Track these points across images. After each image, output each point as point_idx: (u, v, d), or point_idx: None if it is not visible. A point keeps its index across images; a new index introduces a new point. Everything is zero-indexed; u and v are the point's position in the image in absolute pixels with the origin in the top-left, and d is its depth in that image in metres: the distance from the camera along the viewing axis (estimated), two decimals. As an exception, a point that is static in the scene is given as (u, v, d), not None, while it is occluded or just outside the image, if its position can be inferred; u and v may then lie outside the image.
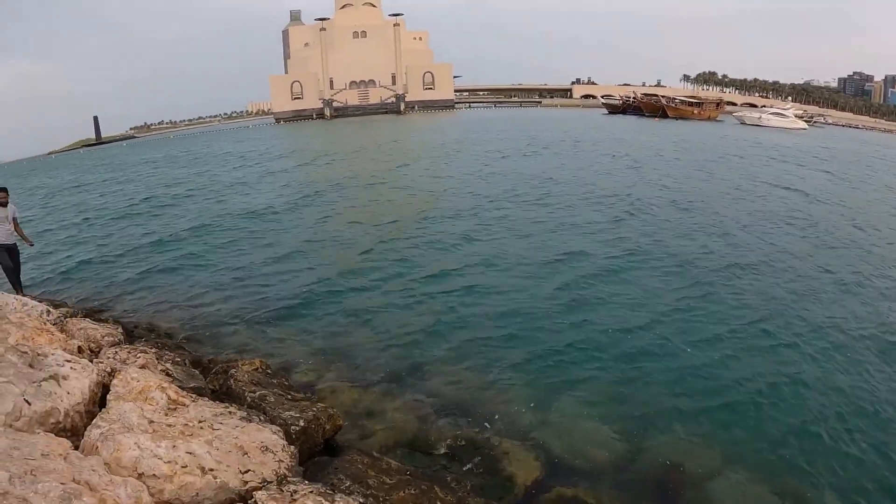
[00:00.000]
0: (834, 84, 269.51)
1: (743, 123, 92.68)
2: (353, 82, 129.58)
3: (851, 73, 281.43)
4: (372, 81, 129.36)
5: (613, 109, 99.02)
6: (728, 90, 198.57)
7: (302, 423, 7.22)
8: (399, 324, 13.19)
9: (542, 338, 12.39)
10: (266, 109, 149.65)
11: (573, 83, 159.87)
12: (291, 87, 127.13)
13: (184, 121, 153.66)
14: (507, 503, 7.59)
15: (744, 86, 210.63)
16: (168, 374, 7.88)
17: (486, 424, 9.21)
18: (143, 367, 7.69)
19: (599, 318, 13.48)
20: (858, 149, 70.28)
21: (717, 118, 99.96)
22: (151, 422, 5.92)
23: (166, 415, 6.22)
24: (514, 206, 25.61)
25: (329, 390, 10.13)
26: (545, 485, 7.95)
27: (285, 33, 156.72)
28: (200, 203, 31.04)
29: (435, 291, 15.22)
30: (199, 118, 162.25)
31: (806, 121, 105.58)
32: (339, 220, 24.70)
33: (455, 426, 9.12)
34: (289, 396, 8.25)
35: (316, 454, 7.30)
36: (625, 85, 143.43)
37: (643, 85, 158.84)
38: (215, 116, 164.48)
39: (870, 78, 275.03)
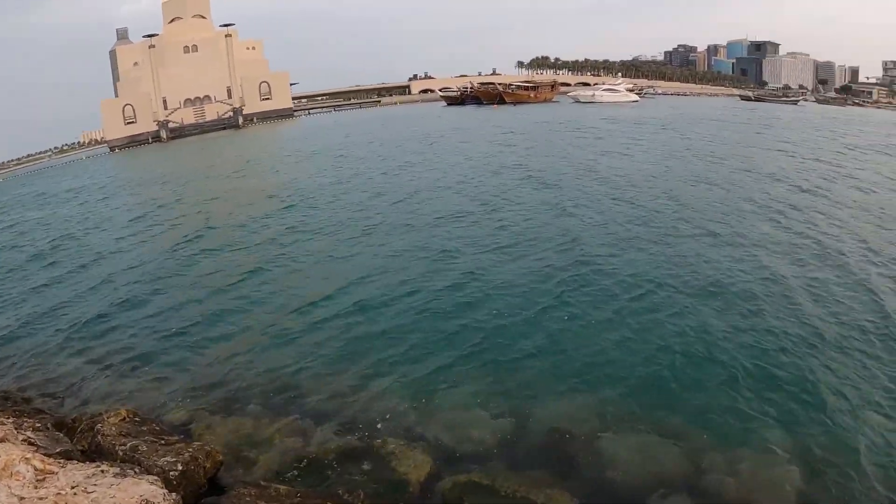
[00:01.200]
0: (661, 57, 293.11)
1: (578, 102, 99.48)
2: (188, 100, 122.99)
3: (676, 46, 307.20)
4: (207, 97, 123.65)
5: (452, 101, 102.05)
6: (562, 72, 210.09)
7: (180, 467, 7.17)
8: (265, 346, 13.17)
9: (412, 337, 12.91)
10: (99, 138, 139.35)
11: (410, 79, 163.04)
12: (123, 110, 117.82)
13: (12, 160, 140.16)
14: (405, 502, 7.93)
15: (576, 67, 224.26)
16: (31, 443, 7.51)
17: (372, 430, 9.51)
18: (1, 440, 7.36)
19: (464, 308, 14.34)
20: (684, 112, 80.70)
21: (554, 99, 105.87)
22: (22, 499, 5.73)
23: (35, 487, 5.98)
24: (375, 214, 25.84)
25: (204, 426, 9.96)
26: (439, 477, 8.39)
27: (112, 54, 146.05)
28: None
29: (296, 307, 15.21)
30: (29, 155, 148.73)
31: (637, 93, 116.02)
32: (183, 251, 23.78)
33: (340, 437, 9.33)
34: (162, 441, 8.10)
35: (202, 496, 7.26)
36: (462, 76, 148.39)
37: (479, 74, 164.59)
38: (45, 152, 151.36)
39: (693, 49, 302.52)
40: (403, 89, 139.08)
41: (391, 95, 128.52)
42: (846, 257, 18.10)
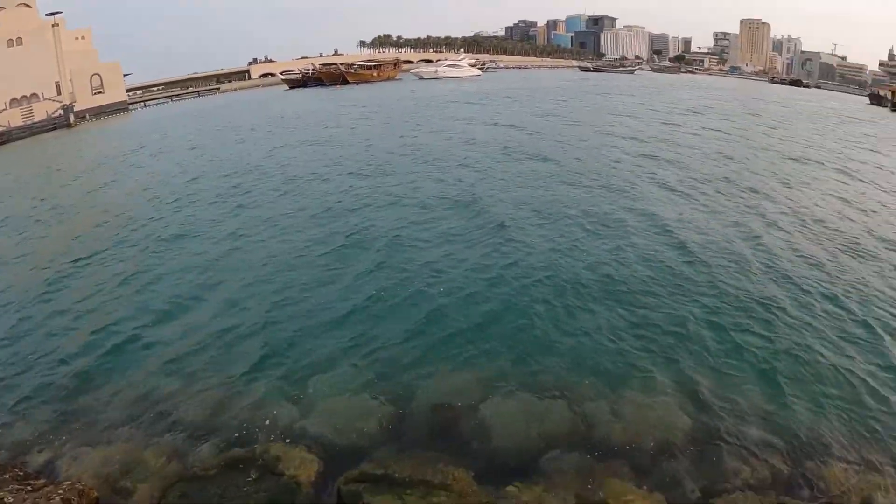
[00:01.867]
0: (502, 33, 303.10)
1: (421, 78, 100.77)
2: (13, 99, 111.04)
3: (517, 22, 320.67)
4: (35, 95, 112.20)
5: (294, 84, 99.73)
6: (404, 50, 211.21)
7: (53, 514, 6.53)
8: (125, 362, 12.04)
9: (279, 334, 12.51)
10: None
11: (250, 64, 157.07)
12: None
13: None
14: None
15: (419, 44, 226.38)
16: None
17: (252, 437, 9.20)
18: None
19: (327, 298, 14.14)
20: (528, 84, 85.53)
21: (397, 77, 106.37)
22: None
23: None
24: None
25: (71, 461, 9.01)
26: (330, 474, 8.33)
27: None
28: None
29: (153, 317, 13.93)
30: None
31: (479, 68, 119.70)
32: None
33: (221, 450, 8.92)
34: (28, 487, 7.44)
35: (83, 539, 6.69)
36: (303, 58, 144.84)
37: (321, 56, 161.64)
38: None
39: (534, 24, 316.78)
40: (243, 74, 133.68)
41: (230, 81, 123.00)
42: (691, 191, 22.50)
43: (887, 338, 12.82)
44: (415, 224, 19.20)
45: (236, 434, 9.27)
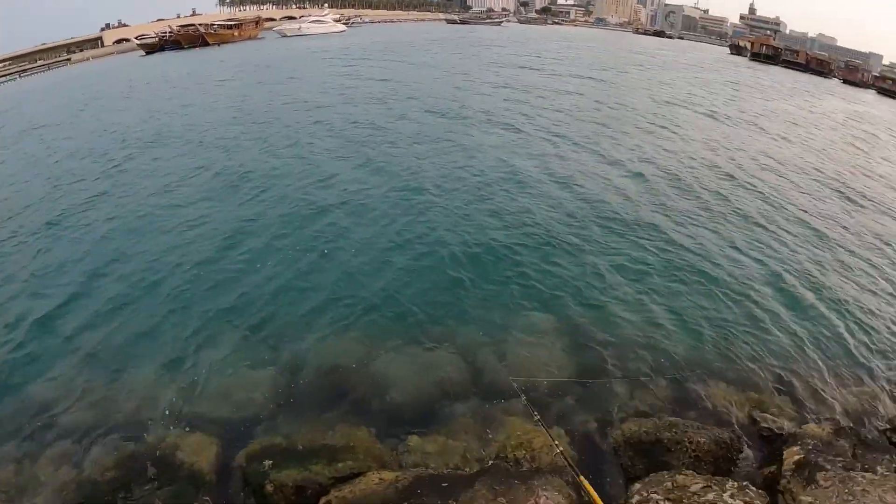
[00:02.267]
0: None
1: (284, 36, 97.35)
2: None
3: None
4: None
5: (150, 49, 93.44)
6: (266, 7, 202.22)
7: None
8: None
9: (155, 314, 11.84)
10: None
11: (103, 29, 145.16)
12: None
13: None
14: (206, 492, 7.63)
15: (281, 0, 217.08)
16: None
17: (145, 429, 8.75)
18: None
19: (200, 268, 13.63)
20: (394, 38, 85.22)
21: (259, 36, 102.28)
22: None
23: None
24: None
25: None
26: (231, 454, 8.19)
27: None
28: None
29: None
30: None
31: (345, 23, 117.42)
32: None
33: (114, 449, 8.41)
34: None
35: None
36: (159, 20, 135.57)
37: (178, 17, 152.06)
38: None
39: None
40: (96, 42, 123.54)
41: (81, 51, 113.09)
42: (570, 135, 24.57)
43: (753, 265, 14.81)
44: (301, 184, 18.87)
45: (128, 430, 8.79)
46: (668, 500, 6.52)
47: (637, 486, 6.98)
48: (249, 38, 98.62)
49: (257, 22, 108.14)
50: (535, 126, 27.69)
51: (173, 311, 11.86)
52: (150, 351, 10.66)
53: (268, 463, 7.78)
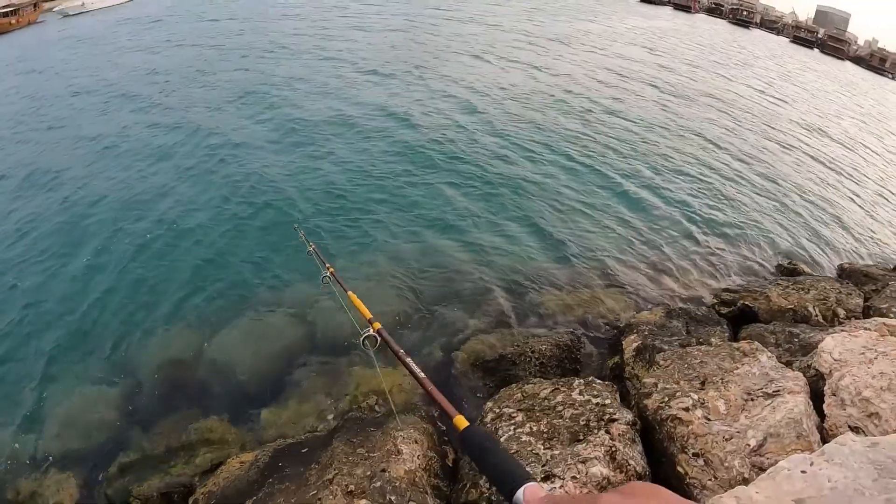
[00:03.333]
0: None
1: (67, 16, 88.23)
2: None
3: None
4: None
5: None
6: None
7: None
8: None
9: None
10: None
11: None
12: None
13: None
14: None
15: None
16: None
17: None
18: None
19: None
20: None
21: (38, 20, 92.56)
22: None
23: None
24: None
25: None
26: (91, 484, 7.27)
27: None
28: None
29: None
30: None
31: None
32: None
33: None
34: None
35: None
36: None
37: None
38: None
39: None
40: None
41: None
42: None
43: (567, 171, 15.75)
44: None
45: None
46: (521, 410, 6.41)
47: (489, 404, 6.84)
48: (29, 23, 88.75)
49: (35, 4, 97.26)
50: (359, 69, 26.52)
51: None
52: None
53: (128, 479, 7.07)
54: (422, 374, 2.97)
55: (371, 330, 4.63)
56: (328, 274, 6.23)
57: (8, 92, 27.32)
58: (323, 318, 9.51)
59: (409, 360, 3.35)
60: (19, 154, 17.97)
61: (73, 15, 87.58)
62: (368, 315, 5.24)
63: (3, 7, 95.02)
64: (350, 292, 5.19)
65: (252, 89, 23.05)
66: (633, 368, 7.28)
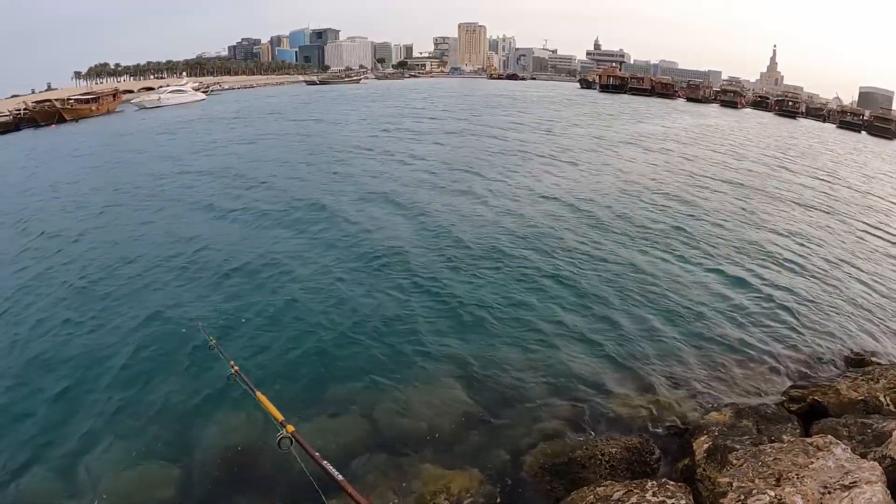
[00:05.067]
0: (225, 53, 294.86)
1: (144, 108, 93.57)
2: None
3: (240, 40, 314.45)
4: None
5: (5, 128, 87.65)
6: (123, 78, 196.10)
7: None
8: None
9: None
10: None
11: None
12: None
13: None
14: None
15: (138, 71, 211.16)
16: None
17: None
18: None
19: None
20: (251, 104, 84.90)
21: (117, 109, 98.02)
22: None
23: None
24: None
25: None
26: None
27: None
28: None
29: None
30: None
31: (204, 91, 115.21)
32: None
33: None
34: None
35: None
36: (14, 97, 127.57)
37: (33, 92, 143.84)
38: None
39: (257, 42, 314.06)
40: None
41: None
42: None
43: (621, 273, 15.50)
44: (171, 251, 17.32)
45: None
46: (594, 513, 6.35)
47: (561, 505, 6.78)
48: (108, 111, 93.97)
49: (115, 95, 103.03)
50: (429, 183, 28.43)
51: (49, 410, 10.20)
52: (34, 457, 9.04)
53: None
54: (340, 477, 3.00)
55: (285, 432, 4.66)
56: (233, 372, 6.25)
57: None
58: (390, 417, 9.60)
59: (325, 462, 3.34)
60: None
61: (150, 108, 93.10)
62: (280, 417, 5.28)
63: (85, 94, 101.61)
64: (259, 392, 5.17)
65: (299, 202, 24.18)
66: (704, 470, 7.10)
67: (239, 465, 8.45)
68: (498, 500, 6.79)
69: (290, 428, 4.74)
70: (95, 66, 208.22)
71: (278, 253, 17.13)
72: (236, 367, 6.53)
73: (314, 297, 14.13)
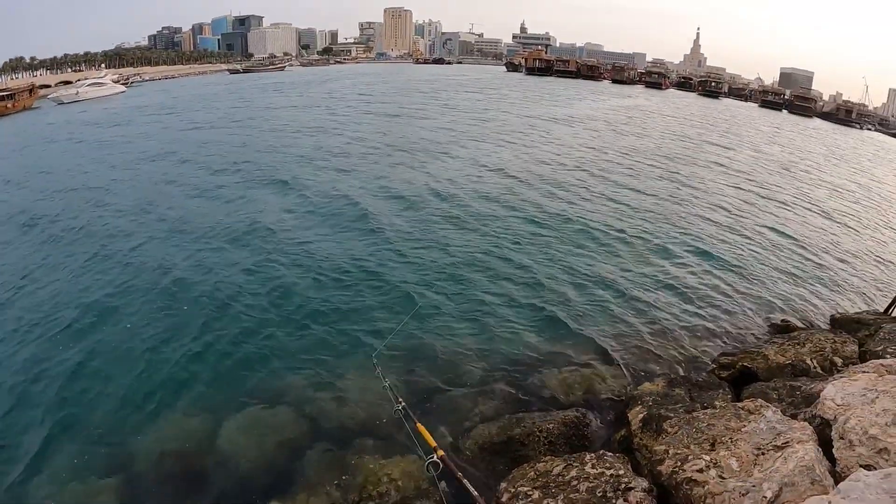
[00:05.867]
0: (145, 42, 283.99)
1: (62, 103, 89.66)
2: None
3: (161, 29, 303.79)
4: None
5: None
6: (40, 73, 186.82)
7: None
8: None
9: None
10: None
11: None
12: None
13: None
14: None
15: (55, 64, 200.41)
16: None
17: None
18: None
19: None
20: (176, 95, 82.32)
21: (34, 106, 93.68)
22: None
23: None
24: None
25: None
26: None
27: None
28: None
29: None
30: None
31: (124, 83, 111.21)
32: None
33: None
34: None
35: None
36: None
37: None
38: None
39: (178, 30, 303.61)
40: None
41: None
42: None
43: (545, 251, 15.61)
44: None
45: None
46: (536, 488, 6.41)
47: (503, 484, 6.79)
48: (24, 108, 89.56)
49: (31, 90, 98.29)
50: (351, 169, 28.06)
51: None
52: None
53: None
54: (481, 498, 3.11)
55: (435, 456, 4.70)
56: (400, 407, 6.98)
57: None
58: (325, 409, 9.47)
59: (472, 488, 3.52)
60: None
61: (67, 103, 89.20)
62: (433, 444, 5.21)
63: (0, 91, 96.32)
64: (419, 424, 5.50)
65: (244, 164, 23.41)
66: (641, 439, 7.26)
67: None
68: (442, 484, 6.72)
69: (441, 452, 5.21)
70: (10, 60, 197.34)
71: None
72: (404, 403, 7.22)
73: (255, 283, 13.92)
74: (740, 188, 26.66)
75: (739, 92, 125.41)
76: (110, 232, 18.28)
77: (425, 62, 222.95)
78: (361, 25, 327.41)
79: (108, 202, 21.67)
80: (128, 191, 23.36)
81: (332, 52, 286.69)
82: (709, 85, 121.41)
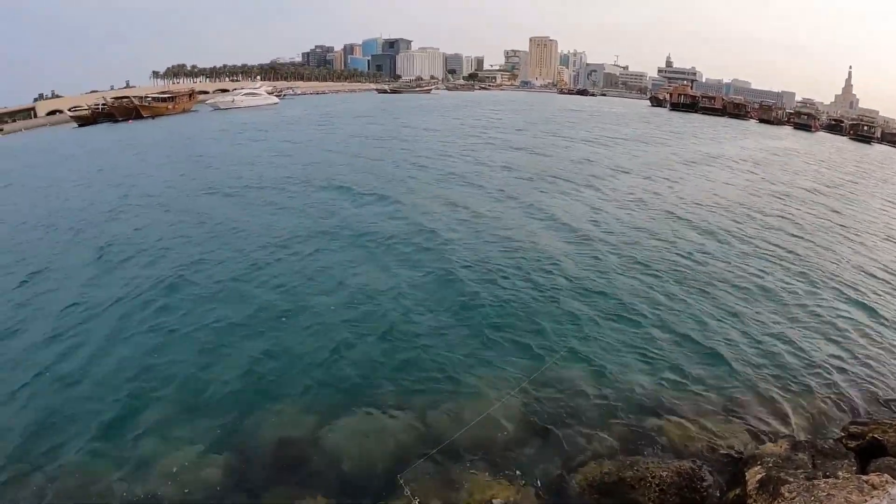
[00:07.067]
0: (299, 59, 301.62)
1: (218, 109, 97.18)
2: None
3: (314, 47, 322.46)
4: None
5: (84, 121, 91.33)
6: (199, 80, 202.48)
7: None
8: None
9: (69, 398, 10.78)
10: None
11: (36, 100, 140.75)
12: None
13: None
14: None
15: (214, 73, 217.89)
16: None
17: None
18: None
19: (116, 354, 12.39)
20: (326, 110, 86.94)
21: (193, 109, 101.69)
22: None
23: None
24: None
25: None
26: None
27: None
28: None
29: None
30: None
31: (277, 95, 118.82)
32: None
33: None
34: None
35: None
36: (93, 92, 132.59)
37: (112, 89, 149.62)
38: None
39: (331, 49, 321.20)
40: (29, 112, 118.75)
41: (14, 121, 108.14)
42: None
43: (683, 301, 15.49)
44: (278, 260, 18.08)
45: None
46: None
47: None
48: (183, 110, 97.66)
49: (191, 95, 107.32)
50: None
51: (102, 391, 10.91)
52: (83, 432, 9.70)
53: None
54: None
55: None
56: None
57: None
58: (441, 424, 9.84)
59: None
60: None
61: (224, 109, 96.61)
62: None
63: (162, 93, 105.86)
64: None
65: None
66: (755, 501, 7.02)
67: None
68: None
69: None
70: (173, 66, 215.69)
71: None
72: None
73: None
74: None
75: (893, 137, 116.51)
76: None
77: (569, 92, 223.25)
78: (507, 53, 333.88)
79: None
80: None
81: (477, 77, 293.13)
82: (861, 129, 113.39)
